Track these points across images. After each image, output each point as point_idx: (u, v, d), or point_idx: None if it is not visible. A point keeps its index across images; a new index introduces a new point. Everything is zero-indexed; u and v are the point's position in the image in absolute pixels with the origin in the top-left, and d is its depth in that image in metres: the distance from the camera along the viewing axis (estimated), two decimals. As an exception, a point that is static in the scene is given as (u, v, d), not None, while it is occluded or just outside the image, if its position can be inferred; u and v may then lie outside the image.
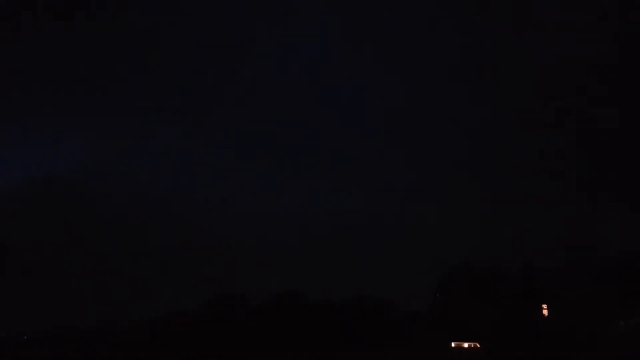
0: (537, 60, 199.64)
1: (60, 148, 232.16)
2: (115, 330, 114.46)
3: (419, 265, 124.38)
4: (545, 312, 78.64)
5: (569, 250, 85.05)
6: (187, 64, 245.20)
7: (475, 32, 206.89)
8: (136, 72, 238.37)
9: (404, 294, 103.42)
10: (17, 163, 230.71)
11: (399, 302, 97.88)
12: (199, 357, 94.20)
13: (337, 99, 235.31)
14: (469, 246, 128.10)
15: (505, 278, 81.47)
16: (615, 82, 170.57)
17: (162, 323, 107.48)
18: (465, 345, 75.23)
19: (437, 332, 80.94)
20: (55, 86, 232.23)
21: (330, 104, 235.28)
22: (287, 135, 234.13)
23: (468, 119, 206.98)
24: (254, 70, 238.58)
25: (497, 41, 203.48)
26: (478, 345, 74.62)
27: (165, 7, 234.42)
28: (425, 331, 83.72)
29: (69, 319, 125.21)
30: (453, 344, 75.93)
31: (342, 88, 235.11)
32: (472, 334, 76.13)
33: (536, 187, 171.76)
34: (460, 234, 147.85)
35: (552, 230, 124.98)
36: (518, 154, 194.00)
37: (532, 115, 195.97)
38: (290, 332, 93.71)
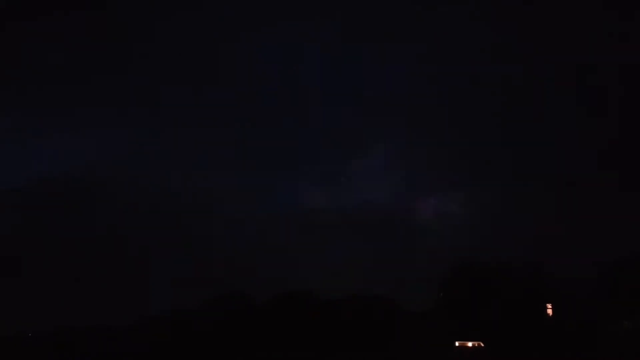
0: (541, 60, 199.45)
1: (61, 148, 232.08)
2: (115, 330, 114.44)
3: (422, 265, 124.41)
4: (549, 311, 78.44)
5: (574, 249, 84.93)
6: (188, 64, 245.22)
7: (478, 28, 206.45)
8: (138, 71, 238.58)
9: (408, 294, 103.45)
10: (18, 163, 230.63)
11: (402, 302, 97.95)
12: (200, 357, 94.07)
13: (337, 97, 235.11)
14: (472, 245, 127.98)
15: (509, 277, 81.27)
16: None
17: (163, 323, 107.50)
18: (469, 344, 75.07)
19: (441, 332, 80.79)
20: (59, 85, 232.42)
21: (330, 103, 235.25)
22: (288, 135, 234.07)
23: (469, 116, 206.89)
24: (254, 70, 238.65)
25: (500, 36, 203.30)
26: (482, 345, 74.45)
27: (165, 7, 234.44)
28: (429, 330, 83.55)
29: (69, 318, 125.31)
30: (457, 343, 75.80)
31: (342, 87, 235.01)
32: (476, 333, 75.98)
33: (541, 186, 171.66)
34: (464, 233, 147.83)
35: (558, 228, 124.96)
36: (520, 153, 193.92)
37: (534, 114, 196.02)
38: (292, 332, 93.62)
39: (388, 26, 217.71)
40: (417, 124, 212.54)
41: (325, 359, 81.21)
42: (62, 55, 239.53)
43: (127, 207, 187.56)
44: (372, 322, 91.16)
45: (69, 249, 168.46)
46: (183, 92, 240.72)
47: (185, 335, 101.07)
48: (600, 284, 76.51)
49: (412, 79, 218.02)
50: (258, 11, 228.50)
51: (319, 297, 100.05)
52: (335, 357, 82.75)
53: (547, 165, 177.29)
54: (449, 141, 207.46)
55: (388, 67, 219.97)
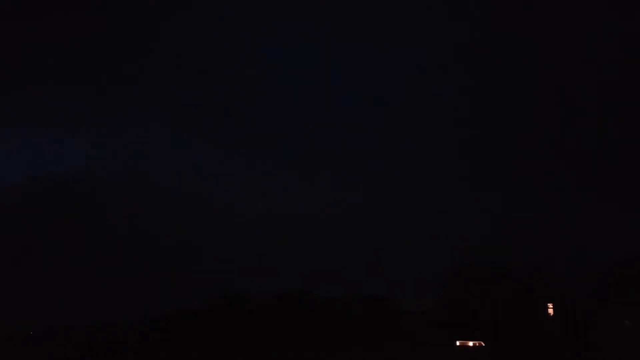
0: (541, 60, 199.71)
1: (61, 147, 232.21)
2: (117, 328, 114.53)
3: (422, 264, 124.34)
4: (550, 311, 78.51)
5: (575, 249, 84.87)
6: (190, 65, 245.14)
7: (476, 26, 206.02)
8: (139, 71, 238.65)
9: (408, 294, 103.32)
10: (19, 161, 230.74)
11: (402, 302, 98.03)
12: (201, 355, 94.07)
13: (337, 98, 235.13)
14: (473, 245, 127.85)
15: (510, 277, 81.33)
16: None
17: (162, 322, 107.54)
18: (470, 344, 75.05)
19: (441, 331, 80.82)
20: (59, 85, 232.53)
21: (331, 104, 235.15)
22: (289, 135, 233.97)
23: (469, 116, 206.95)
24: (255, 71, 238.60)
25: (500, 36, 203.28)
26: (483, 344, 74.41)
27: (165, 7, 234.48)
28: (429, 330, 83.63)
29: (71, 316, 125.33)
30: (458, 343, 75.79)
31: (342, 87, 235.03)
32: (476, 332, 75.98)
33: (541, 186, 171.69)
34: (465, 233, 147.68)
35: (558, 228, 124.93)
36: (523, 152, 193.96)
37: (536, 114, 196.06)
38: (292, 331, 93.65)
39: (388, 26, 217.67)
40: (417, 124, 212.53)
41: (326, 359, 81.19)
42: (62, 55, 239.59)
43: (127, 206, 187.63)
44: (372, 322, 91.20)
45: (68, 249, 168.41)
46: (183, 92, 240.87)
47: (185, 335, 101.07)
48: (601, 283, 76.52)
49: (412, 79, 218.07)
50: (258, 11, 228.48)
51: (319, 297, 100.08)
52: (335, 356, 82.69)
53: (547, 164, 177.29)
54: (449, 141, 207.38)
55: (388, 67, 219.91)
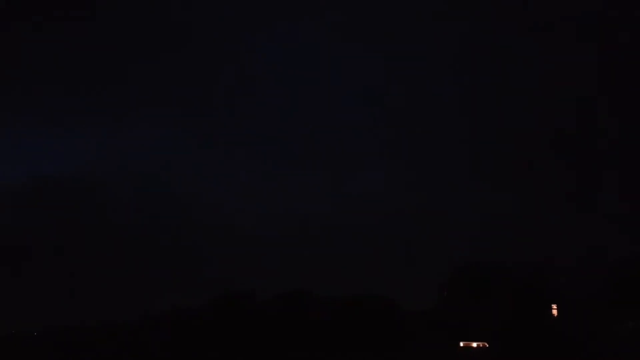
0: (541, 60, 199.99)
1: (63, 147, 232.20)
2: (117, 328, 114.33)
3: (422, 264, 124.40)
4: (554, 311, 78.32)
5: (579, 251, 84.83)
6: (190, 65, 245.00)
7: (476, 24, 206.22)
8: (139, 71, 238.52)
9: (408, 294, 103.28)
10: (20, 161, 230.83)
11: (405, 302, 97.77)
12: (201, 354, 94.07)
13: (337, 98, 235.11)
14: (473, 245, 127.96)
15: (511, 277, 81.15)
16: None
17: (164, 321, 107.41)
18: (474, 344, 75.01)
19: (442, 331, 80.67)
20: (59, 85, 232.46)
21: (331, 104, 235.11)
22: (289, 135, 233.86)
23: (469, 116, 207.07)
24: (255, 71, 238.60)
25: (500, 36, 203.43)
26: (487, 345, 74.35)
27: (165, 7, 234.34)
28: (432, 331, 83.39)
29: (71, 316, 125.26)
30: (461, 344, 75.75)
31: (342, 87, 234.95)
32: (480, 333, 75.88)
33: (541, 186, 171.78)
34: (465, 233, 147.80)
35: (558, 228, 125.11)
36: (523, 152, 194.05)
37: (536, 114, 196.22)
38: (292, 331, 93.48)
39: (388, 26, 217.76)
40: (417, 124, 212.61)
41: (326, 358, 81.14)
42: (62, 55, 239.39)
43: (127, 206, 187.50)
44: (374, 322, 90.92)
45: (68, 249, 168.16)
46: (183, 92, 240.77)
47: (186, 334, 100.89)
48: (604, 284, 76.37)
49: (412, 79, 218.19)
50: (258, 11, 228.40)
51: (319, 297, 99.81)
52: (336, 356, 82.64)
53: (547, 164, 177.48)
54: (449, 141, 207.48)
55: (388, 67, 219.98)
